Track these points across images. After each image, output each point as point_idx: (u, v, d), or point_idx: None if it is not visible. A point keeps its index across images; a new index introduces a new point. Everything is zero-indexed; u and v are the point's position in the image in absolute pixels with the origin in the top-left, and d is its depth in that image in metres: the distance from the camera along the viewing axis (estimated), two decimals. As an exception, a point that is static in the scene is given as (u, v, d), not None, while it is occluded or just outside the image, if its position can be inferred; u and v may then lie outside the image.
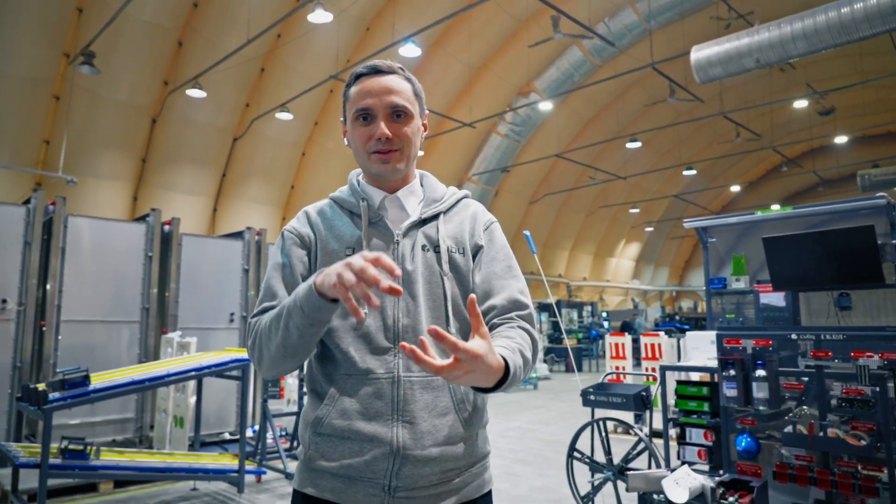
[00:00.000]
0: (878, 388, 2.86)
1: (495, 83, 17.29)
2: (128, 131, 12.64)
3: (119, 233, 6.67)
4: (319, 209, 1.44)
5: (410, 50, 11.49)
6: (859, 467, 2.86)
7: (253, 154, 14.90)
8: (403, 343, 0.96)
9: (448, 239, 1.39)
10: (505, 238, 1.49)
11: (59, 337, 6.07)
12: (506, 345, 1.18)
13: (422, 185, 1.47)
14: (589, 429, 4.42)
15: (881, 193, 3.61)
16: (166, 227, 6.96)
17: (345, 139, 1.45)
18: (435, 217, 1.42)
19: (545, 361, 16.06)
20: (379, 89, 1.34)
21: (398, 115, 1.35)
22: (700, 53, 10.51)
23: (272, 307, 1.31)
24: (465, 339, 1.21)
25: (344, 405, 1.26)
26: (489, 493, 1.38)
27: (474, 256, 1.41)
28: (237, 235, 7.69)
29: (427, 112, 1.47)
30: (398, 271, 1.07)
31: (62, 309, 6.11)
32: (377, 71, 1.37)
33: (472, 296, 1.05)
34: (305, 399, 1.40)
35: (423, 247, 1.37)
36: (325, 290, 1.12)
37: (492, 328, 1.34)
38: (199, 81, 11.54)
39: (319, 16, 10.04)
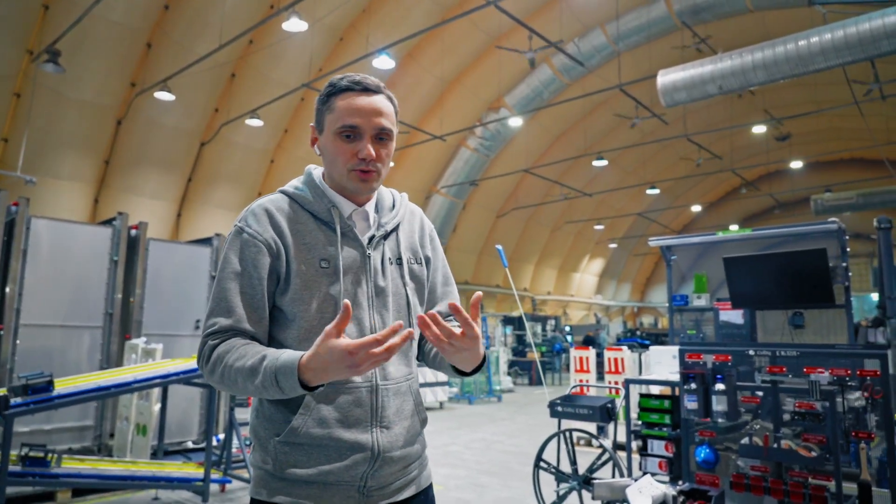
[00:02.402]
0: (827, 403, 3.03)
1: (466, 97, 17.52)
2: (91, 132, 12.35)
3: (84, 236, 6.53)
4: (279, 207, 1.38)
5: (384, 62, 11.55)
6: (810, 478, 3.02)
7: (220, 159, 14.71)
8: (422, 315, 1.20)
9: (407, 251, 1.48)
10: (439, 242, 1.63)
11: (18, 341, 5.90)
12: None
13: None
14: (555, 440, 4.53)
15: (833, 218, 3.84)
16: (133, 232, 6.84)
17: (314, 147, 1.45)
18: (396, 228, 1.48)
19: (509, 374, 16.17)
20: (369, 109, 1.34)
21: (382, 137, 1.37)
22: (666, 78, 10.88)
23: (230, 329, 1.29)
24: (419, 344, 1.55)
25: (322, 414, 1.29)
26: (431, 483, 1.52)
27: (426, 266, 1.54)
28: (205, 241, 7.60)
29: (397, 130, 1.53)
30: (402, 333, 1.13)
31: (21, 312, 5.94)
32: (366, 89, 1.36)
33: (453, 302, 1.27)
34: (260, 406, 1.36)
35: (390, 259, 1.44)
36: (316, 382, 1.16)
37: None
38: (168, 84, 11.38)
39: (294, 24, 10.03)
